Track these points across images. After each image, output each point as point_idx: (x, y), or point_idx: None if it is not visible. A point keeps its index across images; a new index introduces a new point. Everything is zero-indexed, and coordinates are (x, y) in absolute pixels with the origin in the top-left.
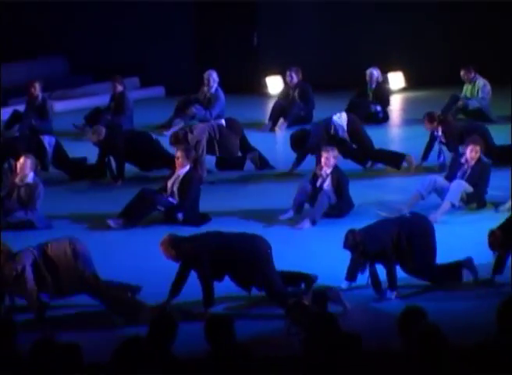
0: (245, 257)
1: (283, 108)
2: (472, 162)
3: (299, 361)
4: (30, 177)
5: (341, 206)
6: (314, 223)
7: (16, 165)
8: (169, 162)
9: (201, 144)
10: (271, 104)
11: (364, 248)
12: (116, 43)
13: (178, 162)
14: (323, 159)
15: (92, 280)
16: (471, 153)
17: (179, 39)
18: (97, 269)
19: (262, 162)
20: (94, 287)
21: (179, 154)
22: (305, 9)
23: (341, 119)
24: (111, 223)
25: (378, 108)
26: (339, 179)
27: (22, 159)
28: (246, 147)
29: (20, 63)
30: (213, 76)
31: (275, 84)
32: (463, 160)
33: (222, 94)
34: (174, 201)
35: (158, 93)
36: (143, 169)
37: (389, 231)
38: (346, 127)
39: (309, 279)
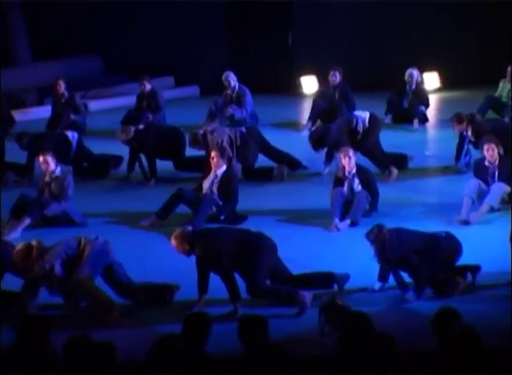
0: (250, 251)
1: (323, 108)
2: (495, 162)
3: (332, 361)
4: (58, 171)
5: (372, 202)
6: (355, 223)
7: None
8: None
9: (222, 146)
10: (305, 104)
11: (382, 246)
12: (151, 43)
13: (213, 162)
14: (343, 161)
15: (78, 283)
16: (488, 152)
17: (214, 39)
18: (127, 268)
19: (295, 164)
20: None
21: (214, 154)
22: (340, 9)
23: (364, 114)
24: (143, 223)
25: (423, 108)
26: (367, 176)
27: (42, 158)
28: (274, 154)
29: (56, 63)
30: (231, 77)
31: (309, 84)
32: (486, 163)
33: (247, 91)
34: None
35: (193, 92)
36: (176, 167)
37: (412, 244)
38: (367, 124)
39: (341, 279)
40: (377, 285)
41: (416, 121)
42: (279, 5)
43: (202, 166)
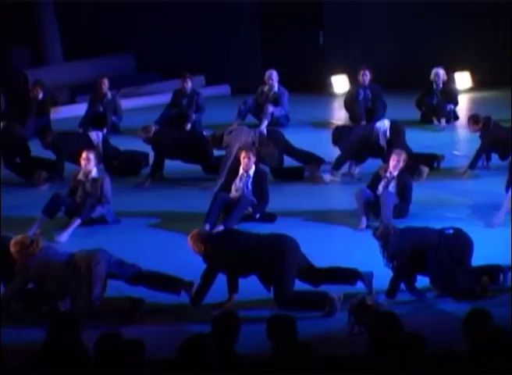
0: (262, 259)
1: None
2: None
3: (362, 360)
4: (95, 172)
5: (402, 208)
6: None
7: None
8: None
9: (231, 149)
10: (337, 103)
11: (384, 244)
12: (182, 41)
13: (245, 161)
14: (393, 162)
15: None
16: None
17: (245, 38)
18: (161, 265)
19: (319, 162)
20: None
21: (245, 154)
22: (371, 8)
23: (384, 126)
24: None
25: (452, 107)
26: (406, 182)
27: (85, 154)
28: (299, 155)
29: (88, 61)
30: (274, 76)
31: (340, 84)
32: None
33: (286, 92)
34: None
35: (224, 91)
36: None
37: (414, 241)
38: (388, 135)
39: (366, 277)
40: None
41: (443, 120)
42: (311, 5)
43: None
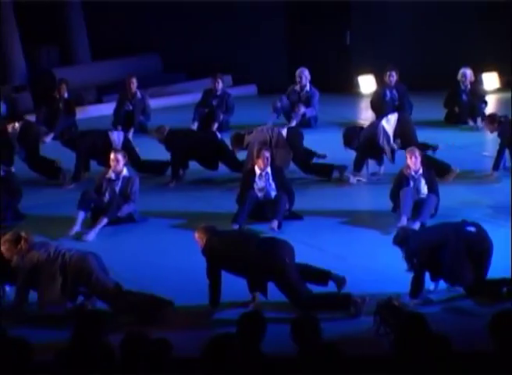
0: (259, 259)
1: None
2: None
3: (388, 361)
4: (125, 171)
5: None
6: (424, 225)
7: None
8: (233, 162)
9: (251, 148)
10: (363, 103)
11: (406, 248)
12: (209, 41)
13: (259, 161)
14: (409, 161)
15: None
16: None
17: (272, 37)
18: (184, 266)
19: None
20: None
21: (266, 154)
22: (398, 8)
23: (389, 123)
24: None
25: (483, 106)
26: (432, 178)
27: (113, 155)
28: (305, 165)
29: (115, 61)
30: (305, 74)
31: (367, 84)
32: None
33: (317, 92)
34: None
35: (250, 91)
36: (208, 168)
37: (432, 239)
38: (393, 131)
39: (338, 278)
40: (431, 286)
41: (479, 119)
42: (337, 5)
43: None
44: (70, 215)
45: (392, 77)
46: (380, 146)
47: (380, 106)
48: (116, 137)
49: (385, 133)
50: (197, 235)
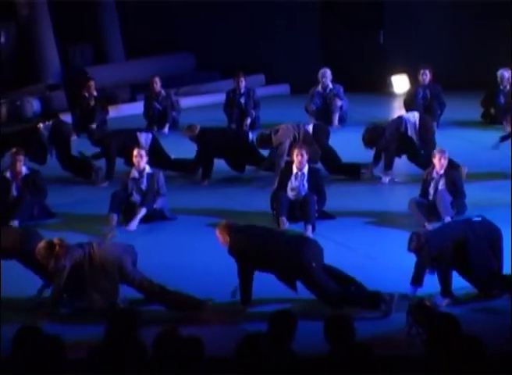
0: (285, 259)
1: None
2: None
3: (420, 362)
4: (148, 168)
5: (458, 204)
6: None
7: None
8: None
9: (283, 146)
10: (397, 103)
11: (428, 251)
12: (242, 40)
13: (298, 159)
14: (436, 161)
15: (146, 287)
16: None
17: (305, 37)
18: (214, 264)
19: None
20: (149, 292)
21: (297, 152)
22: (432, 8)
23: (414, 117)
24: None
25: None
26: (455, 180)
27: (136, 152)
28: (331, 163)
29: (148, 60)
30: (328, 74)
31: (400, 83)
32: None
33: (341, 86)
34: None
35: (283, 91)
36: (235, 169)
37: (452, 235)
38: (417, 126)
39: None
40: (409, 289)
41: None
42: (371, 5)
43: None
44: (104, 213)
45: (426, 75)
46: (409, 137)
47: (412, 105)
48: (144, 138)
49: (412, 124)
50: (218, 232)
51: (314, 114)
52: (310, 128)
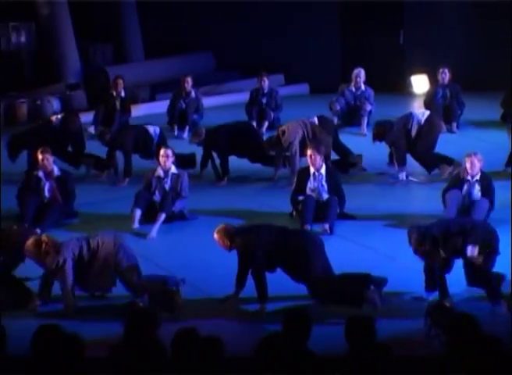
0: (295, 251)
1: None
2: None
3: (439, 362)
4: (174, 168)
5: (489, 209)
6: None
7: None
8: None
9: (294, 145)
10: (416, 103)
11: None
12: (262, 40)
13: (312, 160)
14: (468, 164)
15: (125, 274)
16: None
17: (325, 37)
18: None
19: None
20: (126, 281)
21: (310, 152)
22: (452, 8)
23: (423, 115)
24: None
25: None
26: (488, 185)
27: (163, 151)
28: (340, 148)
29: (168, 60)
30: (362, 74)
31: (420, 83)
32: None
33: (372, 91)
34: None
35: (302, 90)
36: (251, 161)
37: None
38: (421, 123)
39: (380, 281)
40: (426, 295)
41: None
42: (391, 5)
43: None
44: (124, 211)
45: (445, 74)
46: (411, 135)
47: (431, 105)
48: (153, 130)
49: (418, 121)
50: (218, 237)
51: (337, 114)
52: (315, 120)
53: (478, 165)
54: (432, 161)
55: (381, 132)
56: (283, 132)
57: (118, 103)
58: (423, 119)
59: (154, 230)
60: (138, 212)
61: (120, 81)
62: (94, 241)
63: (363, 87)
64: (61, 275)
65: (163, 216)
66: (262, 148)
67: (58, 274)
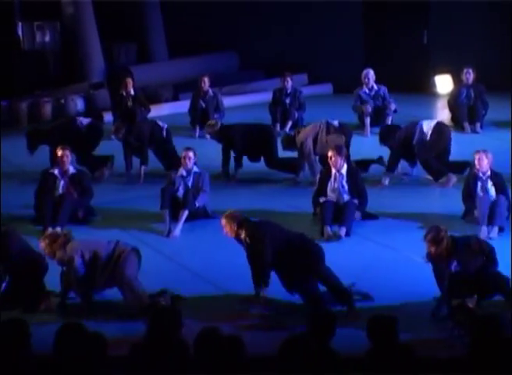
0: (296, 256)
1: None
2: None
3: (461, 363)
4: (195, 168)
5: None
6: (502, 230)
7: None
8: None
9: (306, 145)
10: (440, 103)
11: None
12: (286, 39)
13: (332, 161)
14: (476, 161)
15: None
16: None
17: (349, 36)
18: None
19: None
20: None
21: (332, 153)
22: (476, 8)
23: (429, 124)
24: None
25: None
26: (501, 183)
27: (185, 152)
28: None
29: (192, 59)
30: (371, 74)
31: (444, 83)
32: None
33: (385, 87)
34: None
35: (326, 90)
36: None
37: None
38: (428, 136)
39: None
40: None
41: None
42: (416, 4)
43: (294, 166)
44: (145, 209)
45: (469, 74)
46: (412, 145)
47: (455, 105)
48: (161, 123)
49: (421, 133)
50: (225, 222)
51: (370, 115)
52: (335, 122)
53: (485, 160)
54: (438, 170)
55: (384, 136)
56: (299, 132)
57: (130, 102)
58: (430, 129)
59: (178, 229)
60: (167, 214)
61: (129, 80)
62: (119, 248)
63: (375, 86)
64: (68, 272)
65: (186, 213)
66: (273, 153)
67: (66, 269)
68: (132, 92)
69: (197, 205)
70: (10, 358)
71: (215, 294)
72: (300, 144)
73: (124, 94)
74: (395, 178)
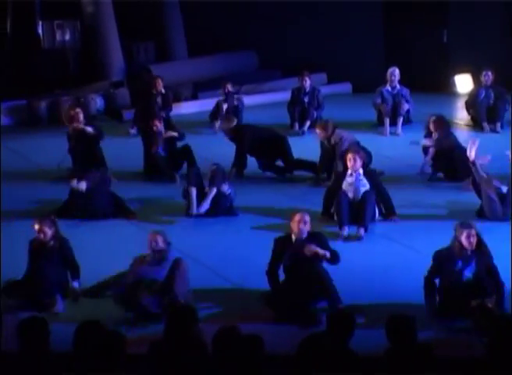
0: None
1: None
2: None
3: (480, 364)
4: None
5: None
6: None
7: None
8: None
9: (344, 140)
10: (459, 103)
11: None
12: (304, 39)
13: (351, 163)
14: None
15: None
16: None
17: (368, 35)
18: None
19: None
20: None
21: (350, 155)
22: (496, 8)
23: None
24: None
25: None
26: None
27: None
28: None
29: (211, 58)
30: (396, 73)
31: (464, 83)
32: None
33: (407, 89)
34: None
35: (345, 89)
36: (264, 169)
37: None
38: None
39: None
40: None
41: None
42: (436, 4)
43: (311, 167)
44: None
45: (488, 77)
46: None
47: (474, 106)
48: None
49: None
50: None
51: (389, 115)
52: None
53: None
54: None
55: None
56: (335, 127)
57: (159, 99)
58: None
59: (205, 205)
60: (194, 192)
61: (159, 80)
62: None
63: (398, 86)
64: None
65: (214, 191)
66: (289, 158)
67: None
68: (163, 91)
69: (224, 191)
70: (30, 356)
71: (231, 292)
72: (339, 140)
73: (154, 92)
74: (416, 178)
